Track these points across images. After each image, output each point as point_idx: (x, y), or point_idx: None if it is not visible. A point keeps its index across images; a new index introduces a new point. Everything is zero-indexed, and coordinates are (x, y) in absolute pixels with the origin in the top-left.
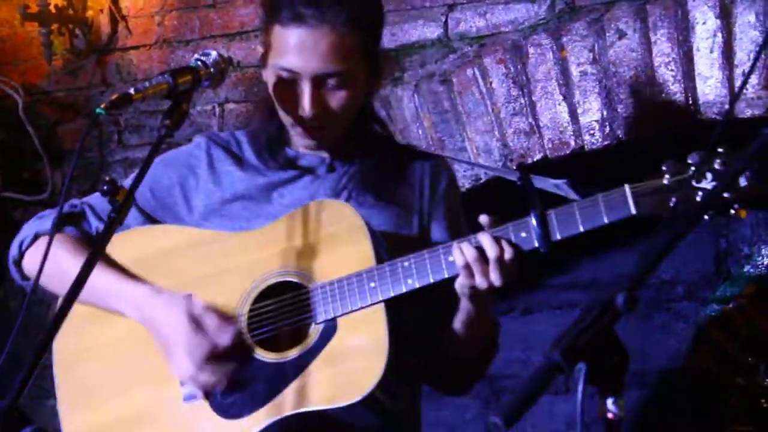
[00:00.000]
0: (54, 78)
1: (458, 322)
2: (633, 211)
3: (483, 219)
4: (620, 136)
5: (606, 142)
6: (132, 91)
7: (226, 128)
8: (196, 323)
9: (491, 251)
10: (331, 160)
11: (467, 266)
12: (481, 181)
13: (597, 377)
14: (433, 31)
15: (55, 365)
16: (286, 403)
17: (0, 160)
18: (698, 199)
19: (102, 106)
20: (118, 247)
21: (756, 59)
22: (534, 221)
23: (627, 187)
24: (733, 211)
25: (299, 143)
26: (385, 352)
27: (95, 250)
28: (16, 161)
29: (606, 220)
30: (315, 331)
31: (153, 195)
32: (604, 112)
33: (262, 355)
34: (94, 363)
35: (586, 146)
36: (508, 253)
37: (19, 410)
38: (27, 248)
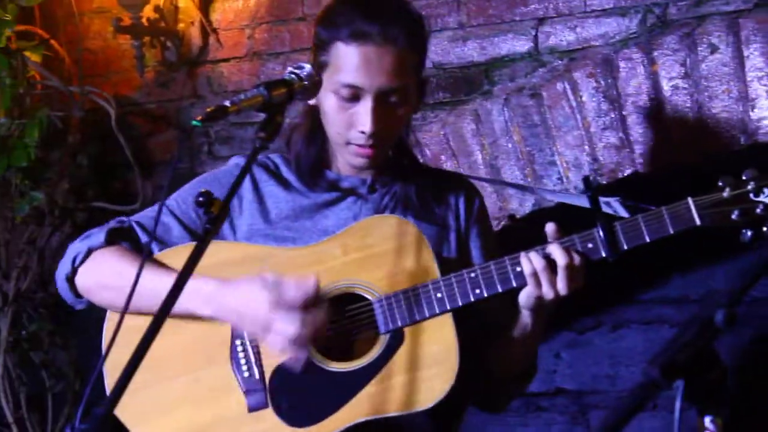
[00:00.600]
0: (146, 90)
1: (513, 337)
2: (698, 222)
3: (549, 228)
4: (712, 150)
5: (697, 157)
6: (228, 103)
7: None
8: (277, 288)
9: (561, 259)
10: (372, 181)
11: (535, 275)
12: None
13: (695, 394)
14: (523, 45)
15: (107, 377)
16: (354, 411)
17: (91, 171)
18: (758, 211)
19: (198, 118)
20: (169, 261)
21: None
22: (601, 232)
23: (690, 200)
24: None
25: (348, 163)
26: (456, 359)
27: (191, 260)
28: (108, 172)
29: (671, 231)
30: (381, 341)
31: (198, 215)
32: (696, 127)
33: (327, 364)
34: (152, 375)
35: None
36: (576, 261)
37: (114, 417)
38: (80, 264)
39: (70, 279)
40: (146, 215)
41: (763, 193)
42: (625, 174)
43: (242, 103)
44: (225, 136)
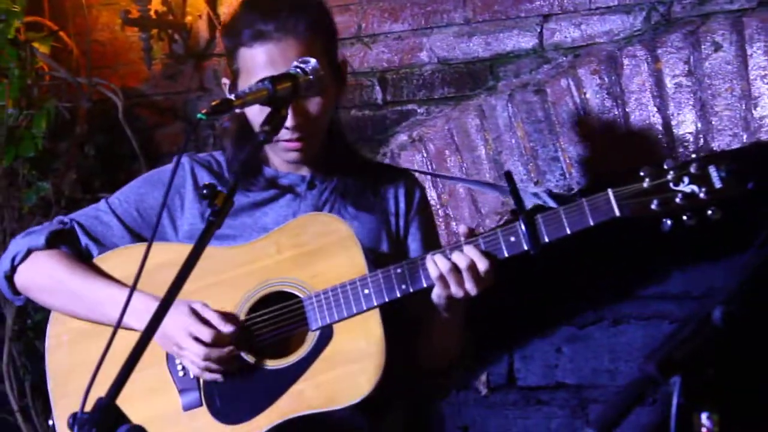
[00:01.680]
0: (153, 82)
1: (437, 330)
2: (617, 213)
3: (461, 229)
4: (714, 148)
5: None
6: (233, 97)
7: None
8: (199, 316)
9: (462, 262)
10: (311, 177)
11: (441, 277)
12: (574, 192)
13: (692, 391)
14: (528, 41)
15: (50, 381)
16: (285, 407)
17: (98, 162)
18: (678, 201)
19: (203, 111)
20: (108, 264)
21: None
22: (522, 226)
23: (610, 191)
24: (710, 212)
25: (282, 160)
26: (383, 355)
27: (193, 253)
28: (114, 163)
29: (591, 222)
30: (311, 338)
31: (139, 214)
32: (699, 125)
33: (259, 362)
34: (88, 378)
35: (679, 158)
36: (481, 265)
37: (117, 408)
38: (20, 263)
39: (9, 277)
40: (87, 214)
41: (683, 182)
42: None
43: (247, 97)
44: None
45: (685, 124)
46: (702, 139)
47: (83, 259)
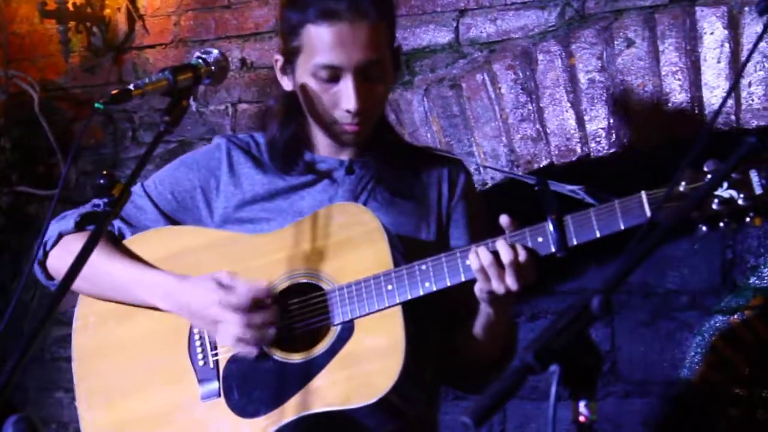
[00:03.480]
0: (71, 75)
1: (478, 326)
2: (649, 216)
3: (503, 220)
4: (626, 143)
5: (612, 150)
6: (132, 87)
7: (239, 128)
8: (227, 287)
9: (506, 256)
10: (350, 163)
11: (482, 270)
12: (488, 186)
13: (571, 380)
14: (444, 36)
15: (74, 362)
16: (301, 403)
17: (15, 156)
18: (714, 207)
19: (101, 101)
20: (137, 247)
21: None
22: (551, 226)
23: (644, 194)
24: (748, 219)
25: (335, 142)
26: (402, 355)
27: (89, 243)
28: (31, 156)
29: (622, 226)
30: (332, 332)
31: (174, 197)
32: (611, 120)
33: (279, 355)
34: (113, 361)
35: (592, 153)
36: (522, 257)
37: (6, 398)
38: (51, 248)
39: (42, 263)
40: None
41: (722, 186)
42: (541, 165)
43: (146, 87)
44: (149, 122)
45: (598, 119)
46: (614, 135)
47: (112, 242)
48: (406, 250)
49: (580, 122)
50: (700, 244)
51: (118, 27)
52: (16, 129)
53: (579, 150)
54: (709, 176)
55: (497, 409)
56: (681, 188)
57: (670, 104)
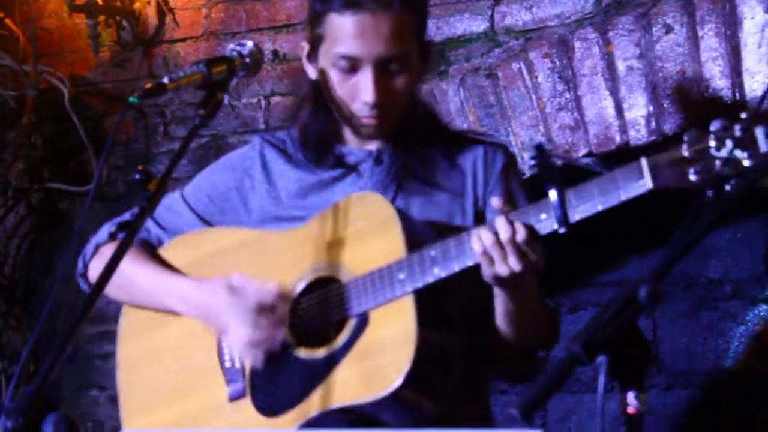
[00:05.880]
0: (101, 70)
1: (498, 314)
2: (650, 185)
3: (495, 202)
4: (666, 131)
5: (652, 138)
6: (166, 80)
7: (272, 121)
8: (238, 292)
9: (504, 233)
10: (378, 152)
11: (485, 253)
12: (526, 177)
13: (619, 371)
14: (479, 25)
15: (118, 370)
16: (321, 399)
17: (46, 152)
18: (717, 168)
19: (135, 94)
20: (171, 252)
21: None
22: (554, 198)
23: (644, 160)
24: (755, 180)
25: (356, 134)
26: (413, 346)
27: (128, 236)
28: (62, 152)
29: (623, 197)
30: (350, 325)
31: (211, 201)
32: (650, 108)
33: (302, 351)
34: (151, 368)
35: (631, 142)
36: (520, 235)
37: (45, 396)
38: (90, 260)
39: (84, 275)
40: (160, 204)
41: (725, 146)
42: (580, 154)
43: (181, 80)
44: (180, 116)
45: (637, 107)
46: (654, 123)
47: (143, 248)
48: (441, 237)
49: (619, 110)
50: (742, 233)
51: (148, 20)
52: (46, 125)
53: (618, 139)
54: (712, 136)
55: (545, 401)
56: (684, 152)
57: (710, 91)
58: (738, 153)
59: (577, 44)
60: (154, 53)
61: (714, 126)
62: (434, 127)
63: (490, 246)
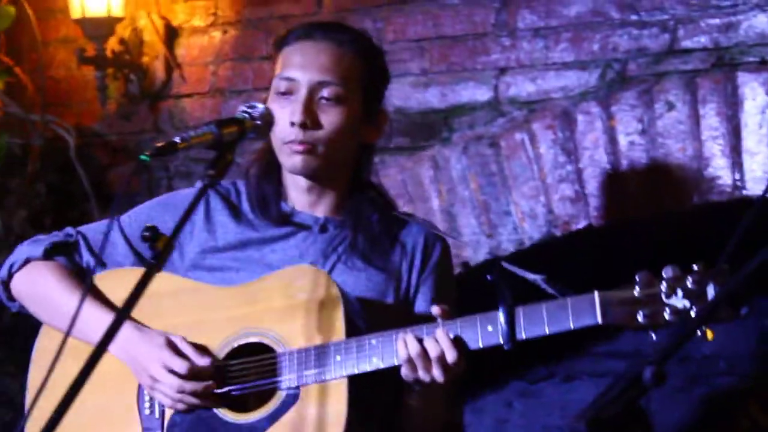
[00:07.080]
0: (107, 121)
1: (410, 402)
2: (599, 320)
3: (434, 310)
4: (665, 207)
5: (651, 212)
6: (177, 139)
7: None
8: (175, 349)
9: (433, 351)
10: (324, 221)
11: (409, 360)
12: (525, 246)
13: None
14: (483, 94)
15: (27, 395)
16: None
17: (49, 200)
18: (666, 316)
19: (147, 153)
20: (106, 283)
21: None
22: (502, 317)
23: (596, 294)
24: (699, 333)
25: (286, 168)
26: (342, 428)
27: (134, 293)
28: (65, 202)
29: (572, 326)
30: (277, 397)
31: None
32: (651, 183)
33: (224, 414)
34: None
35: (631, 215)
36: (450, 356)
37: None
38: (17, 271)
39: (5, 283)
40: (95, 229)
41: (676, 294)
42: (580, 227)
43: (192, 140)
44: (184, 171)
45: (638, 182)
46: (654, 198)
47: (78, 275)
48: (370, 315)
49: (620, 184)
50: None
51: (156, 75)
52: (51, 174)
53: (619, 212)
54: (664, 283)
55: None
56: (635, 293)
57: (709, 169)
58: (686, 303)
59: (580, 117)
60: (160, 107)
61: (666, 273)
62: (383, 206)
63: (415, 355)
